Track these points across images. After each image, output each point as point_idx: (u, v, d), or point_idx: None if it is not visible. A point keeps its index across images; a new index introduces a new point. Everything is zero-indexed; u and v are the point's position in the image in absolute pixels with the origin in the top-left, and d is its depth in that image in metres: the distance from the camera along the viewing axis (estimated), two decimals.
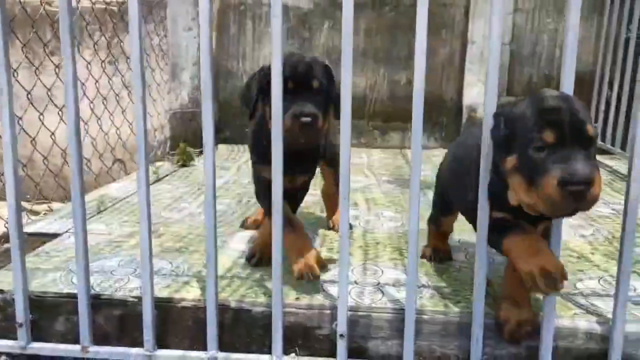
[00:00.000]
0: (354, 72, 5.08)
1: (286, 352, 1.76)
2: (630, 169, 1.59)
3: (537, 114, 1.41)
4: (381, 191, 3.38)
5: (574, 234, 2.55)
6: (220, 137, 4.80)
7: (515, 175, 1.45)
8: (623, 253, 1.62)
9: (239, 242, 2.39)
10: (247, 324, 1.79)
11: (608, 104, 4.35)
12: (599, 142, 4.39)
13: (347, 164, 1.62)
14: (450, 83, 4.87)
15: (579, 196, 1.32)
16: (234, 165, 4.10)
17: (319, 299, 1.82)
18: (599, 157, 1.59)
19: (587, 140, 1.37)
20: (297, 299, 1.82)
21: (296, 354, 1.76)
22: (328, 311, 1.76)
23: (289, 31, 4.79)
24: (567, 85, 1.55)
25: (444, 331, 1.73)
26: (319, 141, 2.02)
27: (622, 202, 1.62)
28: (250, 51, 4.80)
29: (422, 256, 2.17)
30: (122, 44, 3.84)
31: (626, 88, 4.04)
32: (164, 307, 1.80)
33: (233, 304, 1.81)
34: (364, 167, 4.12)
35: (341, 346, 1.70)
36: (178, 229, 2.58)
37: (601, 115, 4.42)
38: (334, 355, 1.71)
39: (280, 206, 1.65)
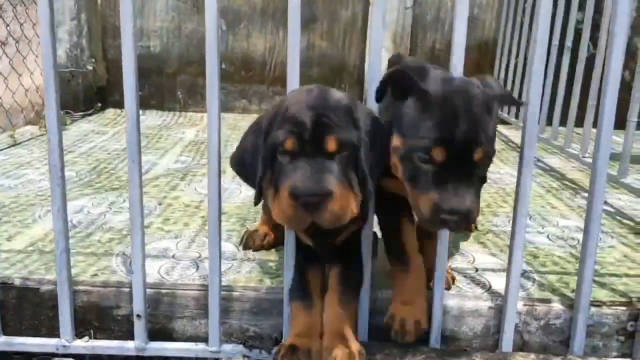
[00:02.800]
0: (252, 33, 4.89)
1: (79, 335, 1.56)
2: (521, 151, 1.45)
3: (282, 119, 1.27)
4: None
5: None
6: (109, 101, 4.47)
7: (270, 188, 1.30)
8: (515, 232, 1.49)
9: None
10: (34, 304, 1.57)
11: (507, 71, 4.28)
12: (504, 113, 4.34)
13: (216, 135, 1.41)
14: (353, 48, 4.69)
15: (311, 208, 1.18)
16: (111, 130, 3.80)
17: (118, 275, 1.62)
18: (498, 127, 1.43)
19: (328, 150, 1.24)
20: (95, 275, 1.61)
21: (90, 337, 1.56)
22: (127, 289, 1.56)
23: None
24: (458, 55, 1.40)
25: (257, 309, 1.57)
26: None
27: (502, 173, 1.48)
28: (140, 6, 4.45)
29: (245, 244, 1.88)
30: None
31: (521, 57, 3.98)
32: None
33: (17, 282, 1.58)
34: None
35: (139, 327, 1.52)
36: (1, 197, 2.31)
37: (501, 84, 4.34)
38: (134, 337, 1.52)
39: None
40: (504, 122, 4.27)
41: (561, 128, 3.28)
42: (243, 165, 1.38)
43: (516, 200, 1.48)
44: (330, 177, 1.20)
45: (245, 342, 1.57)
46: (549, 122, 3.41)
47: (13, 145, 3.20)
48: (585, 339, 1.54)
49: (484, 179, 1.29)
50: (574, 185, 2.84)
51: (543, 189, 2.74)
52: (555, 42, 3.44)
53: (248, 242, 1.85)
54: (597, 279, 1.70)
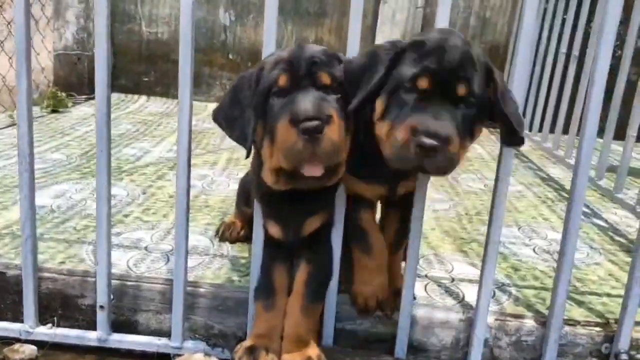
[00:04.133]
0: (258, 26, 4.84)
1: (43, 321, 1.54)
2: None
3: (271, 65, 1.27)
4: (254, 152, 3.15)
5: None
6: (115, 85, 4.46)
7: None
8: (490, 238, 1.44)
9: (45, 198, 2.13)
10: (0, 287, 1.57)
11: None
12: None
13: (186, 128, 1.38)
14: (362, 44, 4.62)
15: (312, 134, 1.14)
16: (112, 115, 3.79)
17: (85, 264, 1.61)
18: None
19: (322, 83, 1.23)
20: (62, 263, 1.60)
21: (53, 324, 1.55)
22: (93, 279, 1.54)
23: None
24: None
25: (223, 307, 1.54)
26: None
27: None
28: None
29: (222, 236, 1.88)
30: None
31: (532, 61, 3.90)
32: None
33: None
34: None
35: (101, 318, 1.50)
36: None
37: None
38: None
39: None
40: None
41: (564, 136, 3.21)
42: (230, 119, 1.32)
43: (491, 209, 1.43)
44: (327, 104, 1.19)
45: (209, 340, 1.54)
46: (552, 130, 3.35)
47: (11, 125, 3.21)
48: (556, 358, 1.49)
49: (469, 122, 1.21)
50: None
51: (539, 199, 2.68)
52: (564, 50, 3.37)
53: (225, 234, 1.84)
54: (575, 296, 1.65)
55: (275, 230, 1.44)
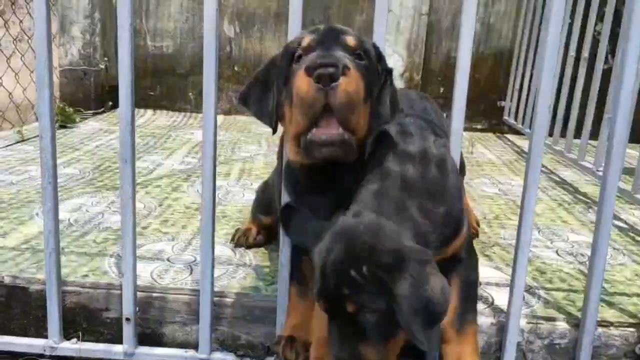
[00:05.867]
0: (263, 37, 4.86)
1: (67, 336, 1.52)
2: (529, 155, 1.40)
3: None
4: (265, 161, 3.15)
5: None
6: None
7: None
8: (519, 246, 1.42)
9: (62, 212, 2.11)
10: (23, 303, 1.54)
11: (523, 81, 4.21)
12: (512, 121, 4.26)
13: (211, 138, 1.38)
14: None
15: (326, 82, 1.13)
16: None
17: (109, 277, 1.58)
18: (511, 137, 1.39)
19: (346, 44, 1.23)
20: (85, 276, 1.58)
21: (78, 339, 1.53)
22: (117, 291, 1.52)
23: None
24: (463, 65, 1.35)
25: (250, 316, 1.52)
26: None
27: (514, 184, 1.42)
28: (155, 7, 4.45)
29: (237, 242, 1.88)
30: None
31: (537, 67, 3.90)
32: None
33: (7, 280, 1.55)
34: (264, 136, 3.86)
35: (128, 331, 1.47)
36: None
37: (516, 95, 4.28)
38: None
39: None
40: (517, 133, 4.19)
41: (576, 140, 3.20)
42: (256, 98, 1.33)
43: (521, 214, 1.41)
44: (345, 57, 1.17)
45: (237, 351, 1.52)
46: (563, 134, 3.34)
47: (20, 142, 3.19)
48: None
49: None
50: (586, 200, 2.75)
51: (555, 202, 2.66)
52: (572, 52, 3.37)
53: (240, 240, 1.83)
54: (605, 298, 1.63)
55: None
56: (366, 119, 1.24)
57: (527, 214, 1.40)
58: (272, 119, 1.29)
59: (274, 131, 1.30)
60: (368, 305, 1.07)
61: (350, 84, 1.15)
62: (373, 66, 1.28)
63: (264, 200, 1.88)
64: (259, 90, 1.32)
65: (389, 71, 1.35)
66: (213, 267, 1.43)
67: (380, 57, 1.31)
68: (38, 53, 1.38)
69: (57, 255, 1.45)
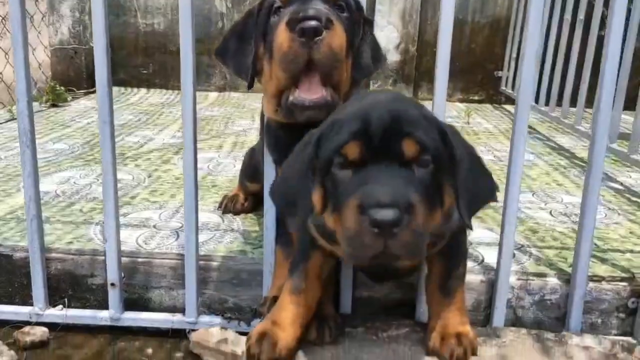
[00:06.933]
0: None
1: (53, 303, 1.50)
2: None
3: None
4: (258, 135, 3.11)
5: None
6: (114, 79, 4.39)
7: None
8: (507, 201, 1.38)
9: (49, 185, 2.09)
10: (7, 271, 1.53)
11: (520, 49, 4.14)
12: (509, 91, 4.21)
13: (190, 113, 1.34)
14: None
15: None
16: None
17: (94, 244, 1.57)
18: (509, 107, 1.35)
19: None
20: (70, 243, 1.56)
21: (64, 306, 1.51)
22: (102, 257, 1.50)
23: None
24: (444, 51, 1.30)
25: (236, 280, 1.50)
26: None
27: (508, 150, 1.38)
28: None
29: (225, 208, 1.87)
30: None
31: None
32: None
33: None
34: (257, 111, 3.82)
35: (113, 296, 1.46)
36: None
37: (513, 64, 4.22)
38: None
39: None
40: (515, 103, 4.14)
41: (572, 109, 3.16)
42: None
43: (509, 168, 1.38)
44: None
45: (224, 314, 1.50)
46: (559, 104, 3.29)
47: (10, 120, 3.17)
48: (582, 315, 1.44)
49: (432, 185, 1.01)
50: (582, 164, 2.72)
51: (550, 166, 2.63)
52: (568, 16, 3.31)
53: (228, 206, 1.82)
54: (598, 254, 1.61)
55: None
56: (349, 72, 1.22)
57: (515, 167, 1.37)
58: (249, 75, 1.25)
59: (250, 86, 1.27)
60: (430, 146, 0.98)
61: (334, 38, 1.12)
62: (354, 18, 1.24)
63: (251, 167, 1.85)
64: (237, 44, 1.29)
65: (370, 22, 1.31)
66: (197, 229, 1.41)
67: (359, 7, 1.28)
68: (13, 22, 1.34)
69: (40, 221, 1.43)
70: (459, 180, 1.03)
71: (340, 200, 0.98)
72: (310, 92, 1.17)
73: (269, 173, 1.42)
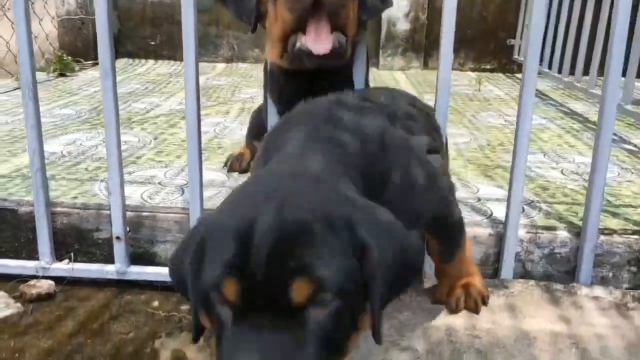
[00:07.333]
0: None
1: (59, 258, 1.51)
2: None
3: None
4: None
5: None
6: (121, 51, 4.39)
7: None
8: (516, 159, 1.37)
9: (56, 146, 2.09)
10: (13, 225, 1.53)
11: None
12: (522, 59, 4.13)
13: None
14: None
15: None
16: (119, 77, 3.73)
17: (99, 198, 1.56)
18: (522, 77, 1.31)
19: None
20: (75, 198, 1.56)
21: (70, 260, 1.51)
22: (107, 212, 1.50)
23: None
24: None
25: None
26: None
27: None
28: None
29: (230, 167, 1.85)
30: None
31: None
32: None
33: None
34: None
35: (119, 249, 1.45)
36: None
37: (526, 32, 4.12)
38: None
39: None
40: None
41: (585, 77, 3.09)
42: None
43: (518, 118, 1.35)
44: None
45: None
46: (572, 72, 3.23)
47: (17, 89, 3.16)
48: (593, 269, 1.42)
49: (333, 330, 0.74)
50: (595, 127, 2.66)
51: (563, 130, 2.58)
52: None
53: (234, 164, 1.80)
54: (610, 209, 1.58)
55: None
56: (355, 13, 1.19)
57: (523, 121, 1.34)
58: (253, 17, 1.23)
59: (253, 30, 1.25)
60: (332, 280, 0.71)
61: None
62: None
63: (258, 126, 1.83)
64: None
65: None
66: (201, 183, 1.40)
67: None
68: None
69: (44, 175, 1.42)
70: (374, 292, 0.77)
71: (219, 347, 0.75)
72: (319, 42, 1.14)
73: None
